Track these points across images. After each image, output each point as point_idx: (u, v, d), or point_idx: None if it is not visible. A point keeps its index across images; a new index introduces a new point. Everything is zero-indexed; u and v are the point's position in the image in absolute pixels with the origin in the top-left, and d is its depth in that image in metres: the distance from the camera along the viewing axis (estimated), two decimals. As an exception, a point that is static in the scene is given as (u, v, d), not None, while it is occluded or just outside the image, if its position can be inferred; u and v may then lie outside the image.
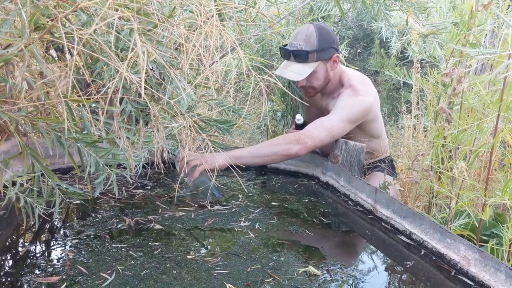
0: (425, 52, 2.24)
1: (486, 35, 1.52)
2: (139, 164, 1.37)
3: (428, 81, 1.50)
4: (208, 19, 0.72)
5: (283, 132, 2.13)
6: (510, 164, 1.23)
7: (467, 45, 1.08)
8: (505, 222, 1.30)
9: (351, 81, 1.84)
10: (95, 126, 0.90)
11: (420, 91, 1.96)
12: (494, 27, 1.15)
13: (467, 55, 1.17)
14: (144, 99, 0.89)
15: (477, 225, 1.28)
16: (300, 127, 1.86)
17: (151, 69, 0.96)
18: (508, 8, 1.28)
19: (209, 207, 1.36)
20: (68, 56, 1.45)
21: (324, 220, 1.34)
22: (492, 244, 1.22)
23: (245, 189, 1.57)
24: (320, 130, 1.70)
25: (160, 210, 1.32)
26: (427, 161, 1.30)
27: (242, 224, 1.25)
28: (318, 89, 1.83)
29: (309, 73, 1.72)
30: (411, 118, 2.16)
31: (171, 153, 1.40)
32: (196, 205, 1.38)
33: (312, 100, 1.96)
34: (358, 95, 1.76)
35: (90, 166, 0.84)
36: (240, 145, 2.52)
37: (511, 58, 0.71)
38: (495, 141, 1.18)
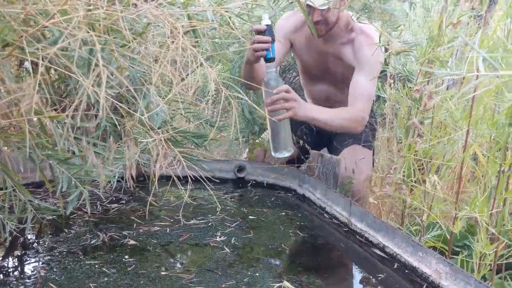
0: (401, 66, 2.29)
1: (458, 50, 1.56)
2: (113, 179, 1.36)
3: (402, 96, 1.53)
4: (175, 37, 0.72)
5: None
6: (479, 178, 1.26)
7: (436, 62, 1.11)
8: (477, 234, 1.32)
9: (361, 26, 1.80)
10: (68, 141, 0.89)
11: (394, 105, 2.00)
12: (462, 46, 1.18)
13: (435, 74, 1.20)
14: (116, 117, 0.89)
15: (449, 238, 1.31)
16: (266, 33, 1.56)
17: (126, 86, 0.96)
18: (479, 25, 1.32)
19: (184, 221, 1.36)
20: (43, 69, 1.43)
21: (300, 233, 1.35)
22: (463, 256, 1.24)
23: (223, 202, 1.57)
24: (365, 102, 1.79)
25: (134, 225, 1.31)
26: (400, 174, 1.32)
27: (218, 239, 1.25)
28: (330, 26, 1.78)
29: (333, 3, 1.66)
30: (385, 130, 2.20)
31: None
32: (171, 220, 1.37)
33: (314, 44, 1.92)
34: (375, 44, 1.73)
35: (62, 183, 0.83)
36: (218, 157, 2.52)
37: (478, 79, 0.74)
38: (465, 155, 1.21)
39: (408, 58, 2.39)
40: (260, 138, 1.99)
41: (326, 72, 1.99)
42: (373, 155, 2.07)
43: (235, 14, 0.85)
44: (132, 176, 0.92)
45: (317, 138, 2.11)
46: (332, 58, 1.91)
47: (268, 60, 1.53)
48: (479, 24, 1.25)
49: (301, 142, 1.99)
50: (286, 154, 1.58)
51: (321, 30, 1.78)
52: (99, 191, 0.89)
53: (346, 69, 1.91)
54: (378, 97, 2.36)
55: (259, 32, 1.49)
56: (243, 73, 1.75)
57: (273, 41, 1.51)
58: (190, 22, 0.83)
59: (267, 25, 1.49)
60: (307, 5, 1.63)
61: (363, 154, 1.97)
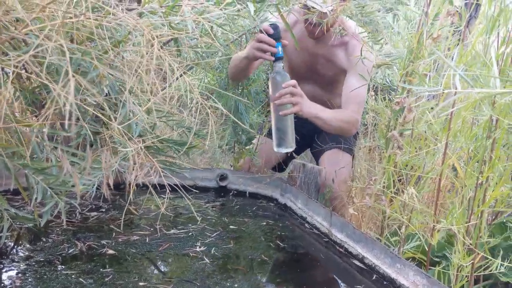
0: (383, 77, 2.31)
1: (437, 63, 1.58)
2: (92, 188, 1.34)
3: (383, 107, 1.54)
4: (152, 45, 0.72)
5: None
6: (456, 190, 1.28)
7: (415, 76, 1.13)
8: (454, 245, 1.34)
9: (352, 28, 1.80)
10: (45, 150, 0.88)
11: (375, 117, 2.02)
12: (441, 59, 1.20)
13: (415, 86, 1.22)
14: (95, 125, 0.88)
15: (427, 249, 1.32)
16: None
17: (106, 94, 0.95)
18: (458, 39, 1.34)
19: (164, 231, 1.35)
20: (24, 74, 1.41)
21: (281, 244, 1.35)
22: (441, 268, 1.26)
23: (204, 212, 1.56)
24: (359, 105, 1.82)
25: (114, 234, 1.30)
26: (379, 185, 1.33)
27: (198, 249, 1.24)
28: (327, 29, 1.75)
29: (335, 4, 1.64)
30: (366, 140, 2.22)
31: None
32: (151, 229, 1.36)
33: (304, 45, 1.92)
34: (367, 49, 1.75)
35: (37, 193, 0.82)
36: (201, 166, 2.51)
37: (456, 95, 0.75)
38: (444, 167, 1.22)
39: (391, 69, 2.41)
40: (246, 148, 1.99)
41: (315, 73, 2.00)
42: (353, 160, 2.10)
43: (217, 24, 0.85)
44: (109, 186, 0.91)
45: (298, 139, 2.13)
46: (323, 60, 1.93)
47: (278, 58, 1.57)
48: (458, 38, 1.27)
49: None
50: (289, 149, 1.62)
51: (318, 32, 1.78)
52: (76, 202, 0.88)
53: (336, 71, 1.93)
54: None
55: (266, 33, 1.53)
56: (234, 64, 1.74)
57: (280, 39, 1.55)
58: (171, 32, 0.83)
59: (272, 24, 1.52)
60: (305, 5, 1.63)
61: (344, 158, 1.99)
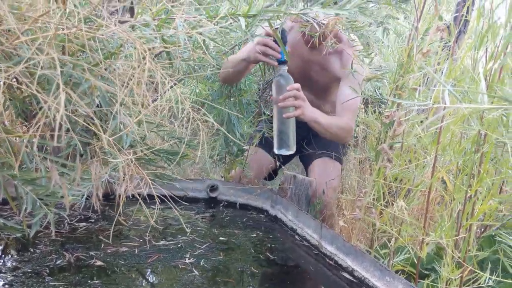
0: (373, 89, 2.33)
1: (427, 77, 1.60)
2: (81, 198, 1.34)
3: (373, 120, 1.56)
4: (144, 58, 0.72)
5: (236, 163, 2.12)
6: (446, 202, 1.29)
7: (405, 90, 1.14)
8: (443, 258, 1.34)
9: (343, 35, 1.83)
10: (34, 160, 0.87)
11: (365, 129, 2.04)
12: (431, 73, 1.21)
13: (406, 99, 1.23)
14: (86, 135, 0.88)
15: (416, 262, 1.32)
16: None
17: (97, 105, 0.95)
18: (447, 54, 1.36)
19: (153, 242, 1.34)
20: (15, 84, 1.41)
21: (271, 256, 1.35)
22: (430, 281, 1.26)
23: (194, 223, 1.56)
24: (353, 114, 1.85)
25: (102, 245, 1.29)
26: (369, 198, 1.34)
27: (187, 260, 1.24)
28: (324, 38, 1.74)
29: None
30: (356, 151, 2.23)
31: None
32: (141, 240, 1.35)
33: (298, 52, 1.94)
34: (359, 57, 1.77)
35: (27, 204, 0.82)
36: (191, 176, 2.51)
37: (445, 109, 0.76)
38: (433, 180, 1.23)
39: (381, 82, 2.44)
40: (237, 159, 1.99)
41: (308, 80, 2.02)
42: (342, 168, 2.12)
43: (209, 38, 0.86)
44: (98, 198, 0.90)
45: None
46: (317, 67, 1.94)
47: (282, 62, 1.61)
48: (448, 53, 1.29)
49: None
50: (290, 151, 1.67)
51: (312, 43, 1.81)
52: (65, 213, 0.88)
53: (329, 78, 1.95)
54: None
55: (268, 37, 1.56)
56: (230, 66, 1.75)
57: (285, 43, 1.58)
58: (163, 45, 0.83)
59: (278, 29, 1.53)
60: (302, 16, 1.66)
61: (334, 166, 2.01)
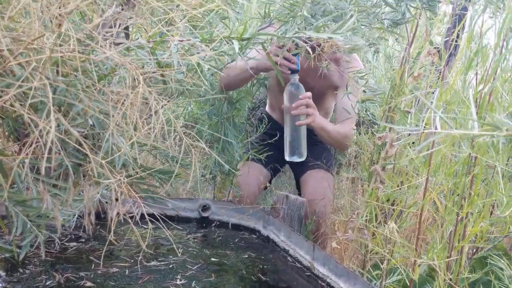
0: (364, 110, 2.35)
1: (419, 100, 1.62)
2: (72, 218, 1.32)
3: (366, 141, 1.57)
4: (138, 82, 0.73)
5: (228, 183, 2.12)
6: (438, 224, 1.29)
7: (397, 112, 1.16)
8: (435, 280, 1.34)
9: (339, 54, 1.88)
10: (26, 181, 0.87)
11: (358, 150, 2.06)
12: (422, 95, 1.23)
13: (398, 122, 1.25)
14: (79, 155, 0.88)
15: (409, 284, 1.32)
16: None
17: (91, 125, 0.95)
18: (438, 77, 1.38)
19: (144, 263, 1.33)
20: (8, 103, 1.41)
21: (263, 277, 1.34)
22: (423, 303, 1.26)
23: (185, 243, 1.55)
24: (352, 123, 1.91)
25: (93, 265, 1.27)
26: (362, 219, 1.34)
27: (178, 282, 1.23)
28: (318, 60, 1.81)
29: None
30: (349, 170, 2.24)
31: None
32: (132, 261, 1.34)
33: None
34: (357, 61, 1.85)
35: (17, 227, 0.81)
36: (183, 195, 2.49)
37: (435, 135, 0.77)
38: (425, 202, 1.24)
39: (373, 102, 2.46)
40: (228, 178, 1.99)
41: (304, 86, 2.04)
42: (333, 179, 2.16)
43: (203, 61, 0.86)
44: (91, 221, 0.90)
45: (279, 154, 2.18)
46: (314, 73, 1.96)
47: (293, 72, 1.70)
48: (438, 76, 1.31)
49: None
50: (301, 158, 1.75)
51: (308, 64, 1.81)
52: (56, 235, 0.87)
53: (326, 86, 1.98)
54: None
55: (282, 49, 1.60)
56: (234, 74, 1.76)
57: (298, 55, 1.67)
58: (157, 69, 0.84)
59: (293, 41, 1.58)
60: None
61: (327, 179, 2.03)
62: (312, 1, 1.00)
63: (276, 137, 2.09)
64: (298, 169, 2.18)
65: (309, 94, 1.69)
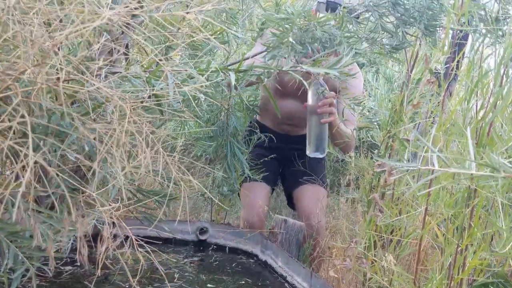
0: (366, 132, 2.35)
1: (419, 125, 1.61)
2: (68, 242, 1.31)
3: (366, 165, 1.56)
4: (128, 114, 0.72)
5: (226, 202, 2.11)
6: (437, 255, 1.28)
7: (395, 140, 1.15)
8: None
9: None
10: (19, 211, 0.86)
11: (357, 174, 2.05)
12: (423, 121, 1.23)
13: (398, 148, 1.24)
14: (71, 181, 0.87)
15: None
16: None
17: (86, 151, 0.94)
18: (438, 104, 1.37)
19: (140, 290, 1.31)
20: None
21: (258, 305, 1.32)
22: (422, 335, 1.23)
23: (181, 268, 1.53)
24: (354, 127, 1.95)
25: (87, 292, 1.25)
26: (361, 247, 1.32)
27: (173, 310, 1.21)
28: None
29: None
30: (348, 191, 2.24)
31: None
32: (126, 286, 1.32)
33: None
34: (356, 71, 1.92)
35: (8, 259, 0.80)
36: (182, 216, 2.47)
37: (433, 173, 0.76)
38: (424, 232, 1.22)
39: (370, 129, 2.47)
40: (224, 200, 1.98)
41: (300, 90, 2.04)
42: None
43: (200, 91, 0.86)
44: (83, 259, 0.89)
45: (273, 165, 2.17)
46: (312, 77, 1.97)
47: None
48: (438, 103, 1.30)
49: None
50: (323, 154, 1.79)
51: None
52: (49, 269, 0.86)
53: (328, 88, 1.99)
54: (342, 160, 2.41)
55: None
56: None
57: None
58: (154, 99, 0.84)
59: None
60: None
61: (322, 195, 2.08)
62: (300, 29, 1.01)
63: (277, 149, 2.10)
64: (290, 181, 2.19)
65: (333, 93, 1.76)
